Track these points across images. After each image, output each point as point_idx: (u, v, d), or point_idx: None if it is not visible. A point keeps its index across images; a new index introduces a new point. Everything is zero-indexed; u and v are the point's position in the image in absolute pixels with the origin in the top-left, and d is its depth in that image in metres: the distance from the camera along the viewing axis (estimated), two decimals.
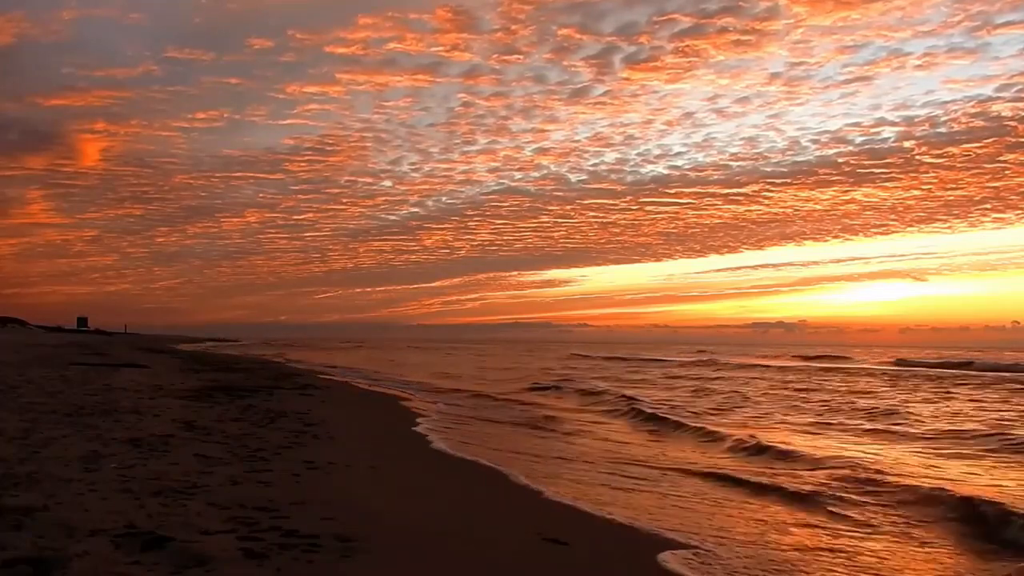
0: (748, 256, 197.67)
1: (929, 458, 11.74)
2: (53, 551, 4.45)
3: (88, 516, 5.28)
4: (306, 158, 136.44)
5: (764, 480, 9.59)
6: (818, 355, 67.88)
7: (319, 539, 5.16)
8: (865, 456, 11.60)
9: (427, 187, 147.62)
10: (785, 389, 27.35)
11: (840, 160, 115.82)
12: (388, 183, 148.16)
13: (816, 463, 10.93)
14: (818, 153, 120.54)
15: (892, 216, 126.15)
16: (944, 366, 47.40)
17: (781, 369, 43.38)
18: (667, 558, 5.87)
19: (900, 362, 54.23)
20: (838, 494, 8.78)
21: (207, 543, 4.81)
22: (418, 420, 14.88)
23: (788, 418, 17.70)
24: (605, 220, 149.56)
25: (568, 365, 48.24)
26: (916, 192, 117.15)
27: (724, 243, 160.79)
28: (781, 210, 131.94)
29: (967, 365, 46.73)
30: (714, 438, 13.74)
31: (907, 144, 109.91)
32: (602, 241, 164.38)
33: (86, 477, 6.62)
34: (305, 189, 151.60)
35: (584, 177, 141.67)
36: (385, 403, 19.04)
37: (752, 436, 13.40)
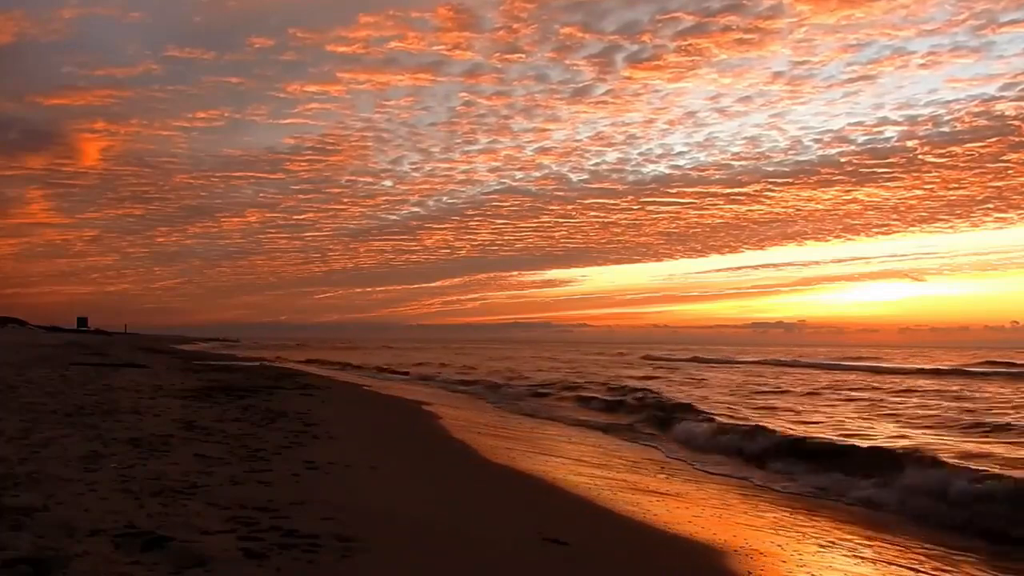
0: (749, 256, 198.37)
1: None
2: (53, 551, 4.43)
3: (88, 516, 5.27)
4: (306, 158, 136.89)
5: None
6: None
7: (319, 539, 5.14)
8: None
9: (428, 187, 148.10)
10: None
11: (842, 159, 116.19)
12: (389, 183, 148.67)
13: None
14: (820, 152, 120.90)
15: (894, 216, 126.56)
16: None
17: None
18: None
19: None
20: None
21: (207, 543, 4.80)
22: (421, 420, 14.88)
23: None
24: (606, 220, 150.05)
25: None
26: (918, 192, 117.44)
27: (725, 243, 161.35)
28: (783, 210, 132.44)
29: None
30: None
31: (910, 143, 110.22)
32: (603, 241, 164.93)
33: (86, 477, 6.61)
34: (305, 189, 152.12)
35: (585, 177, 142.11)
36: (387, 403, 19.04)
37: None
